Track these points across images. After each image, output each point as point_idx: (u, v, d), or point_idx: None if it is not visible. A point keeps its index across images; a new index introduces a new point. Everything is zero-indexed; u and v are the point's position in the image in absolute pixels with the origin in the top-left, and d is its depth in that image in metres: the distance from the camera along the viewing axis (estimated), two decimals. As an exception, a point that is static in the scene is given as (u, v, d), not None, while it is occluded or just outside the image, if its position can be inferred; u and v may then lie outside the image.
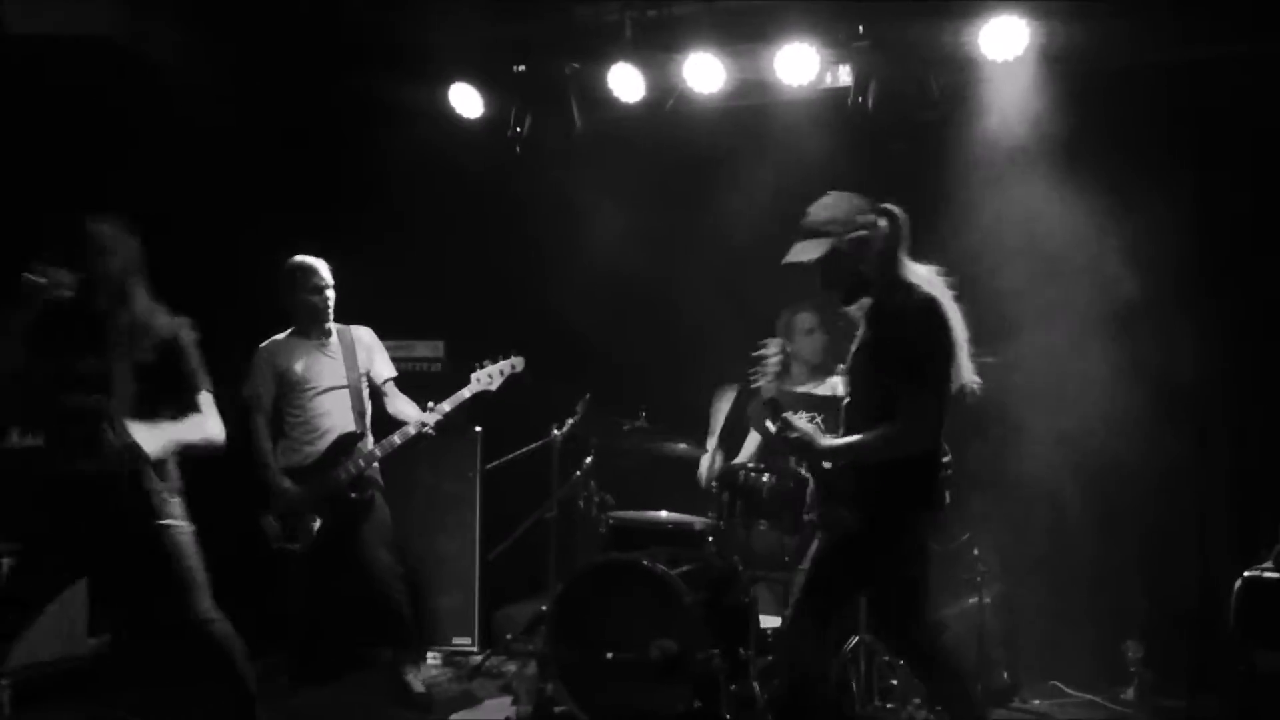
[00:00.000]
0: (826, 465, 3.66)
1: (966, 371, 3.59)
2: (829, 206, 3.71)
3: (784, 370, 5.46)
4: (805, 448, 3.57)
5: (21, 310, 3.79)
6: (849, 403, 3.74)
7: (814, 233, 3.67)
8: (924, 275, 3.65)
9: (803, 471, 4.94)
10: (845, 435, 3.63)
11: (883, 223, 3.66)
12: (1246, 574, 3.08)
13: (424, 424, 5.16)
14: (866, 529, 3.55)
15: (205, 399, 4.05)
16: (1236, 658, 3.47)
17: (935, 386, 3.51)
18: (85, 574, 4.29)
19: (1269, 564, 3.31)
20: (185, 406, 3.99)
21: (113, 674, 5.48)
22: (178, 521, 3.95)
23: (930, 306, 3.53)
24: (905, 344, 3.49)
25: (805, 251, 3.66)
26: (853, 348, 3.75)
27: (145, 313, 4.03)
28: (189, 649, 3.97)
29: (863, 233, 3.64)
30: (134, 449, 3.79)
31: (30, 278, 3.79)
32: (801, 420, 3.64)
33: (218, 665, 3.93)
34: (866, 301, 3.76)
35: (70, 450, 3.81)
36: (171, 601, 3.89)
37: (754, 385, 5.55)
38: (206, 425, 4.00)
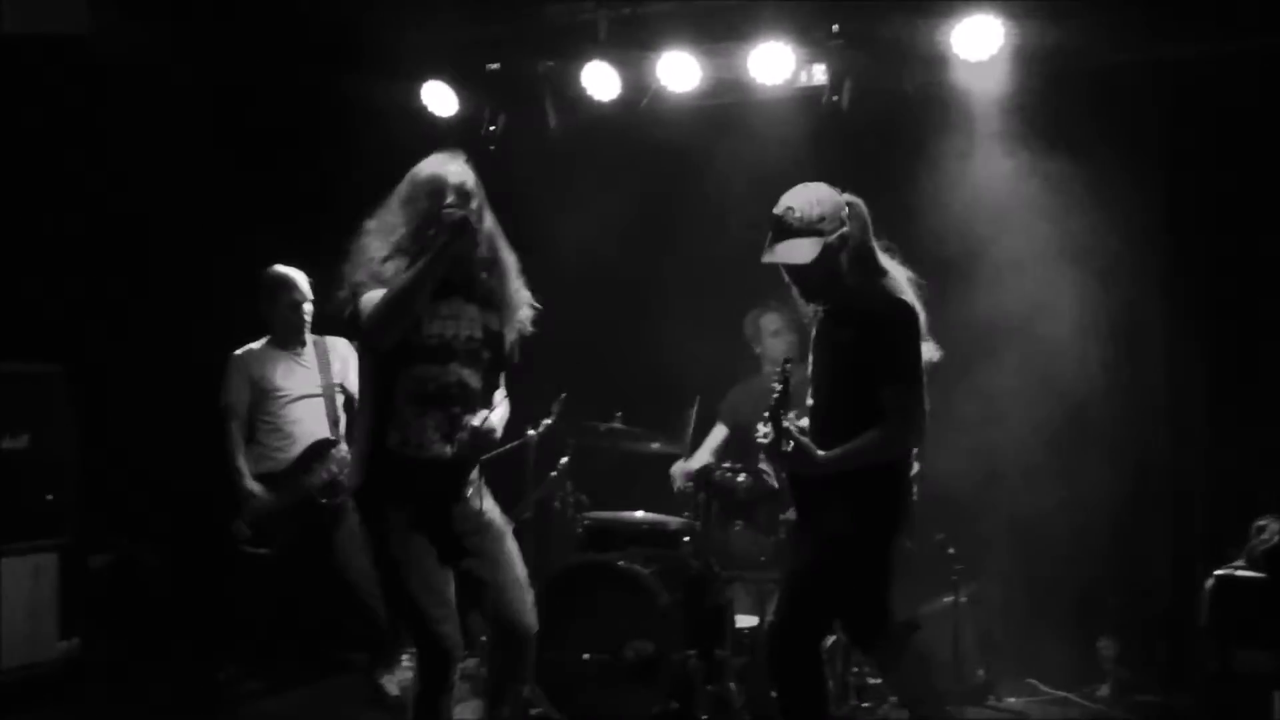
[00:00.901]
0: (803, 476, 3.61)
1: (927, 351, 3.56)
2: (814, 202, 3.51)
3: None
4: (804, 460, 3.46)
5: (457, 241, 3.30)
6: (815, 401, 3.67)
7: (800, 231, 3.49)
8: (895, 271, 3.60)
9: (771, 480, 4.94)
10: (811, 433, 3.54)
11: (853, 219, 3.55)
12: (1218, 572, 3.09)
13: None
14: (851, 535, 3.51)
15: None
16: (1209, 655, 3.49)
17: (919, 385, 3.48)
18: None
19: (1240, 562, 3.33)
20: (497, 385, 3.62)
21: (84, 679, 5.45)
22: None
23: (907, 306, 3.49)
24: (890, 345, 3.44)
25: (796, 253, 3.48)
26: (815, 346, 3.69)
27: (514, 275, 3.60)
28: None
29: (845, 229, 3.51)
30: (490, 434, 3.42)
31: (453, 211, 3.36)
32: (797, 430, 3.51)
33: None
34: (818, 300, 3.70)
35: (429, 434, 3.36)
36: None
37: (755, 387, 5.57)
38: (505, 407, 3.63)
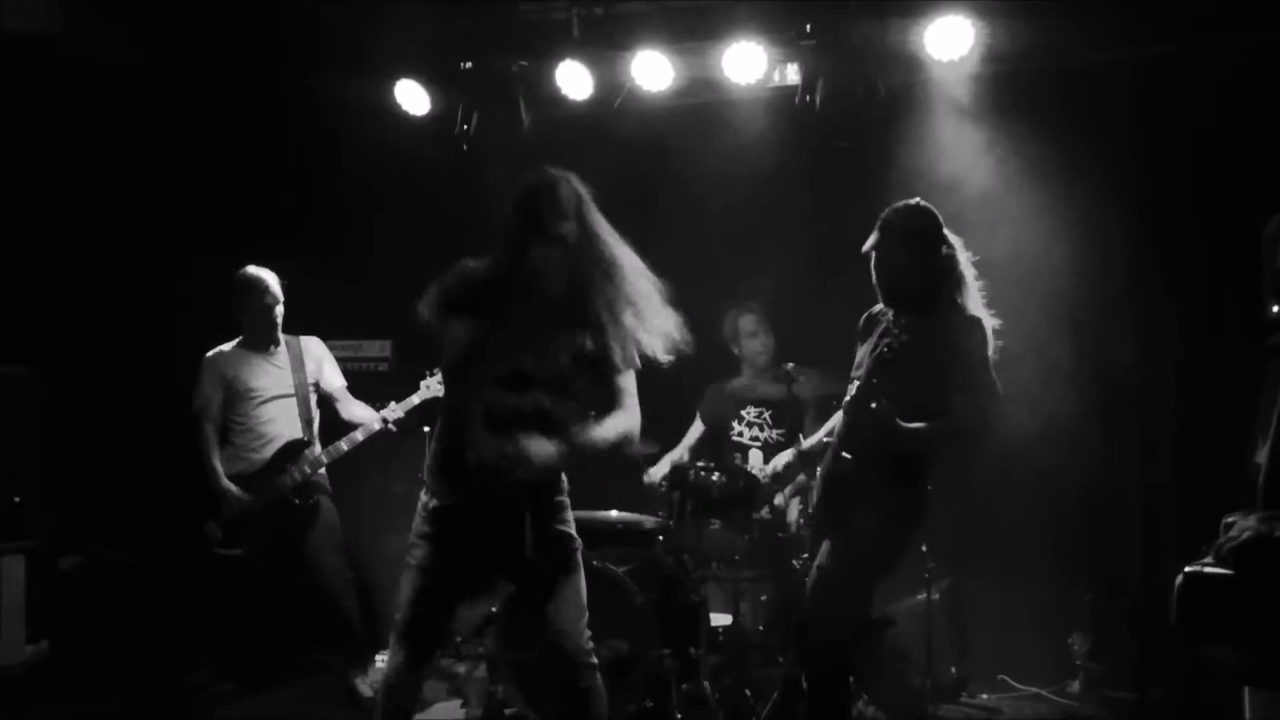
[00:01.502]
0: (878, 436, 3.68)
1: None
2: (919, 215, 3.78)
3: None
4: (886, 421, 3.59)
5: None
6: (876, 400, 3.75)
7: (899, 232, 3.75)
8: (974, 294, 3.79)
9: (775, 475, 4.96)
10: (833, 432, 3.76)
11: (948, 247, 3.78)
12: (1187, 569, 3.10)
13: (384, 419, 5.14)
14: (883, 529, 3.65)
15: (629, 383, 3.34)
16: (1179, 652, 3.53)
17: (992, 398, 3.68)
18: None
19: (1209, 559, 3.34)
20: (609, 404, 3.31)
21: (54, 682, 5.41)
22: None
23: (983, 328, 3.69)
24: (967, 357, 3.63)
25: (890, 249, 3.74)
26: (883, 351, 3.73)
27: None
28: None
29: (943, 249, 3.76)
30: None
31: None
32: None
33: None
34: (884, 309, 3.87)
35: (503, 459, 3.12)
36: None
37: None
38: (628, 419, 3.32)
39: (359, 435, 5.18)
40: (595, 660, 3.30)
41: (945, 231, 3.81)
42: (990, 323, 3.74)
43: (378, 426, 5.16)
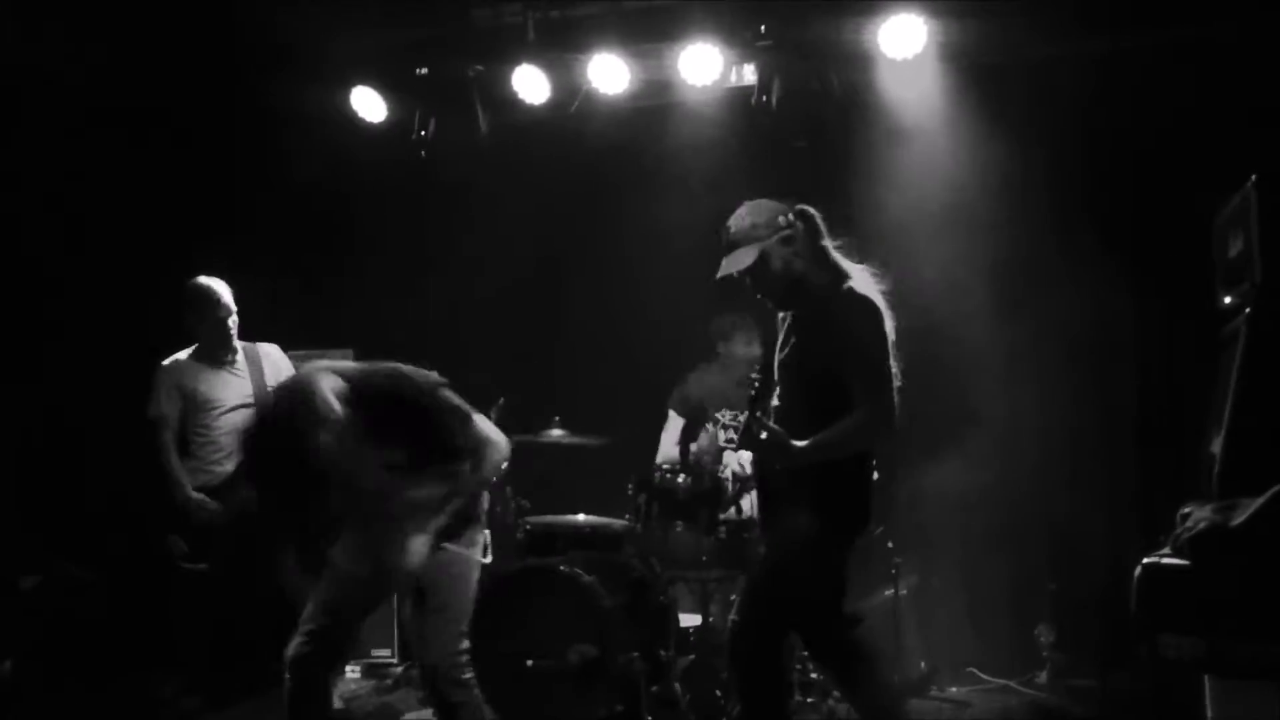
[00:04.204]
0: (778, 466, 3.61)
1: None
2: (749, 213, 3.67)
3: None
4: (779, 448, 3.49)
5: None
6: (780, 404, 3.69)
7: (739, 242, 3.64)
8: (856, 272, 3.65)
9: (727, 476, 4.96)
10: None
11: (801, 223, 3.67)
12: (1146, 560, 3.15)
13: None
14: (816, 536, 3.55)
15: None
16: (1139, 641, 3.58)
17: (888, 379, 3.53)
18: None
19: (1167, 550, 3.39)
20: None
21: (18, 702, 5.36)
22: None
23: (874, 306, 3.55)
24: (859, 343, 3.50)
25: (736, 262, 3.63)
26: (781, 352, 3.73)
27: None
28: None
29: (787, 232, 3.63)
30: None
31: None
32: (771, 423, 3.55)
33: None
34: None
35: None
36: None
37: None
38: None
39: (322, 444, 5.14)
40: (468, 676, 3.52)
41: (786, 214, 3.67)
42: (878, 298, 3.59)
43: None
